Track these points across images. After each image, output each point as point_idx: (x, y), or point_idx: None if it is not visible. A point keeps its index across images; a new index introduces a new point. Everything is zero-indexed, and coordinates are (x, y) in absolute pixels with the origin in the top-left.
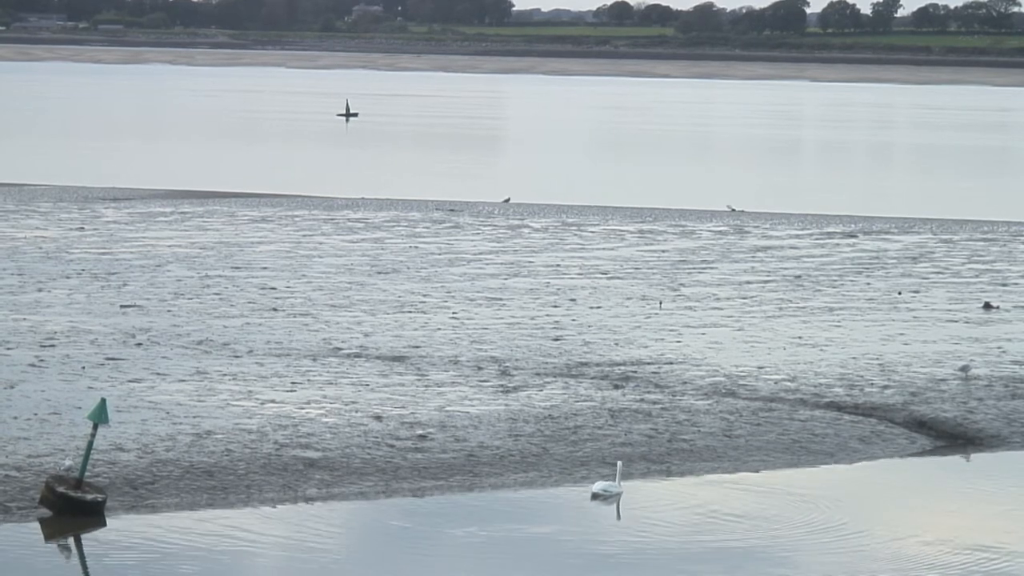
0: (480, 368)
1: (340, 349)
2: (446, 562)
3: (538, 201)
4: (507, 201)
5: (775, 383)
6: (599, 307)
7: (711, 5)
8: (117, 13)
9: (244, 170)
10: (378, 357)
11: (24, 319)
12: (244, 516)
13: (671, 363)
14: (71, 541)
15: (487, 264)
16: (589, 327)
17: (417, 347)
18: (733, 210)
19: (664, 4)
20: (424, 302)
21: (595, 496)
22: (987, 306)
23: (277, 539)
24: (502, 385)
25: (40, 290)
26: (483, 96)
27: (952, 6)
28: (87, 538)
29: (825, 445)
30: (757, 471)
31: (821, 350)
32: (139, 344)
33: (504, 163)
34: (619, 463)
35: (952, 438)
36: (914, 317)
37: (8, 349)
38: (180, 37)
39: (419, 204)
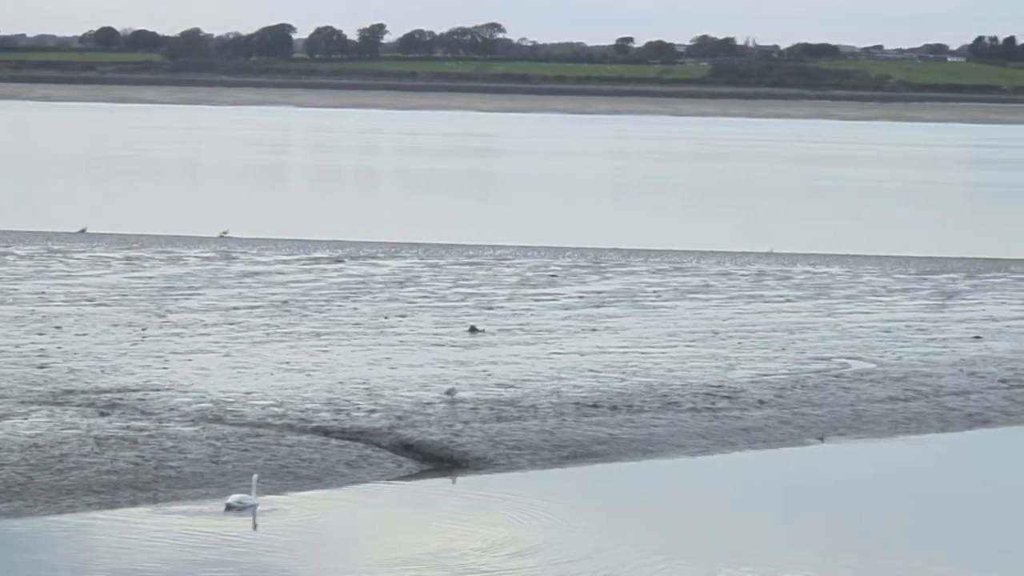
0: None
1: None
2: None
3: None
4: (225, 234)
5: (262, 408)
6: (85, 334)
7: (198, 31)
8: None
9: None
10: None
11: None
12: None
13: (158, 390)
14: None
15: None
16: (75, 354)
17: None
18: (223, 235)
19: (151, 30)
20: None
21: (229, 508)
22: (473, 330)
23: None
24: None
25: None
26: None
27: (438, 32)
28: None
29: (312, 470)
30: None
31: (308, 375)
32: None
33: None
34: (255, 476)
35: (439, 461)
36: (400, 341)
37: None
38: None
39: None
